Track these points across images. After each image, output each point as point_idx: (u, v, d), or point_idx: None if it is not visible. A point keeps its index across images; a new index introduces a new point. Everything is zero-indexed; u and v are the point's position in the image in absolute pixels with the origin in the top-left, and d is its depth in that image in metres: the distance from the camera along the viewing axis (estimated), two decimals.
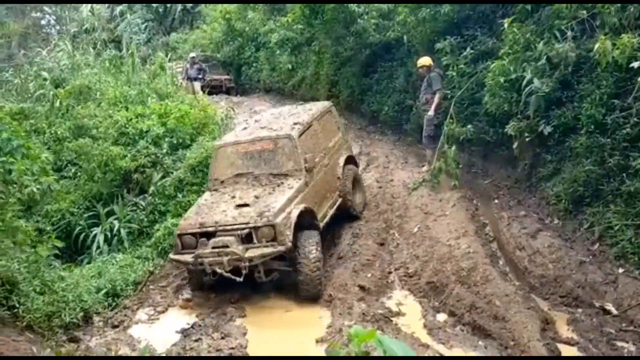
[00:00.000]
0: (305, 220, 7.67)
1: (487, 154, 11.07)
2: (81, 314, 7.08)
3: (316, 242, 7.42)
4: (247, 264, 6.93)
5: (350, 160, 9.90)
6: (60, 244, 8.48)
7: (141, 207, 12.64)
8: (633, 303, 6.67)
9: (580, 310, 6.92)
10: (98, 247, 11.83)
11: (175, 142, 13.54)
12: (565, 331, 6.53)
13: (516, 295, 6.87)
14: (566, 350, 6.12)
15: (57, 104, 14.75)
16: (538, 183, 9.27)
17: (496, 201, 9.73)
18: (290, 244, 7.11)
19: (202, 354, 6.26)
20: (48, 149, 13.33)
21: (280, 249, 7.09)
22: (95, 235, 12.07)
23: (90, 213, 12.77)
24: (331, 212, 8.83)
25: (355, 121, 16.24)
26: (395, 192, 10.61)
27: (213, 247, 7.04)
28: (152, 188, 12.78)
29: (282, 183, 7.91)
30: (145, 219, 12.27)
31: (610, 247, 7.41)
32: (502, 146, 10.24)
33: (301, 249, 7.22)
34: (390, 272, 8.22)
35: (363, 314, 6.90)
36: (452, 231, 8.71)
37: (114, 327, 7.25)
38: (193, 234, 7.31)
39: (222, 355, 6.19)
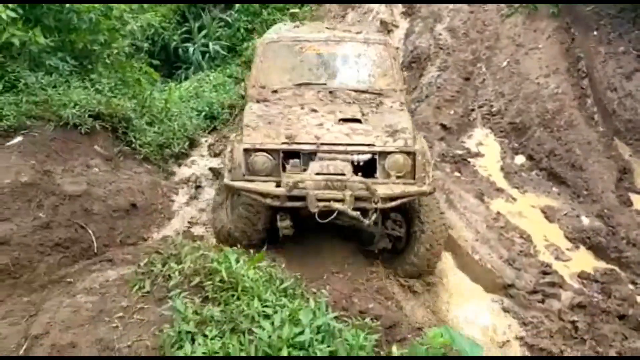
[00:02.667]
0: None
1: None
2: (187, 142, 7.91)
3: (437, 202, 5.38)
4: (379, 205, 4.54)
5: None
6: (156, 76, 9.04)
7: (228, 24, 12.92)
8: None
9: None
10: (195, 62, 12.50)
11: None
12: None
13: (598, 144, 6.99)
14: (639, 201, 6.39)
15: None
16: None
17: (595, 33, 9.14)
18: (433, 188, 4.87)
19: None
20: None
21: (424, 189, 4.72)
22: (189, 51, 12.67)
23: (183, 28, 13.21)
24: None
25: None
26: (487, 18, 10.13)
27: (318, 174, 4.58)
28: (237, 5, 12.87)
29: (382, 104, 5.60)
30: (234, 37, 12.63)
31: None
32: None
33: (423, 209, 5.06)
34: (473, 110, 8.36)
35: (442, 154, 7.30)
36: (542, 67, 8.51)
37: (216, 155, 8.09)
38: (272, 152, 4.75)
39: None
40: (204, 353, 2.41)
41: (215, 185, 6.85)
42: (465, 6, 10.46)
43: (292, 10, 12.10)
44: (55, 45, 6.81)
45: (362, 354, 2.68)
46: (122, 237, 5.38)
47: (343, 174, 4.56)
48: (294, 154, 4.77)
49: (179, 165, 7.54)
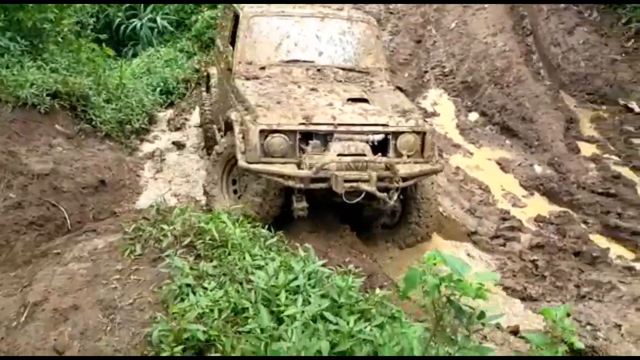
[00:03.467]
0: None
1: None
2: (147, 118, 7.87)
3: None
4: (400, 184, 4.61)
5: None
6: (110, 52, 8.87)
7: None
8: None
9: (604, 107, 7.45)
10: (143, 38, 12.24)
11: None
12: (587, 129, 7.16)
13: (545, 96, 7.37)
14: (586, 148, 6.82)
15: None
16: None
17: None
18: (442, 166, 5.16)
19: None
20: None
21: (437, 167, 4.92)
22: (135, 27, 12.39)
23: (127, 4, 12.88)
24: None
25: None
26: None
27: (340, 155, 4.57)
28: None
29: (372, 83, 5.63)
30: (181, 10, 12.40)
31: None
32: None
33: (422, 183, 5.15)
34: (426, 72, 8.63)
35: None
36: (489, 27, 8.83)
37: (177, 129, 8.09)
38: (289, 133, 4.61)
39: None
40: (206, 304, 2.55)
41: (181, 157, 6.91)
42: None
43: None
44: (4, 25, 6.62)
45: (351, 294, 2.89)
46: (94, 212, 5.38)
47: (364, 155, 4.58)
48: (309, 135, 4.66)
49: (141, 140, 7.51)
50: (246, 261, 3.00)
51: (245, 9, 5.80)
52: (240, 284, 2.78)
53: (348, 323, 2.58)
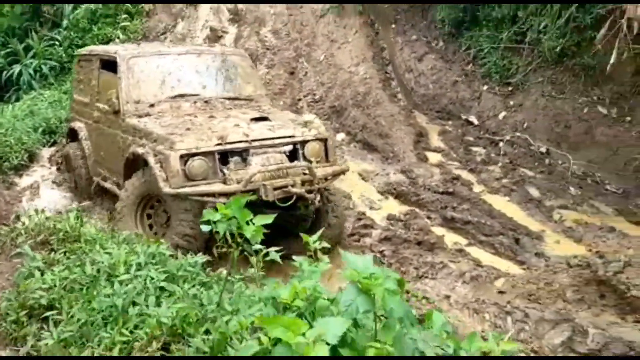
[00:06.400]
0: None
1: None
2: (26, 155, 8.03)
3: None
4: (320, 185, 5.05)
5: None
6: None
7: (58, 42, 12.84)
8: (490, 114, 8.28)
9: (450, 122, 8.52)
10: (25, 83, 12.27)
11: None
12: (435, 141, 8.16)
13: (399, 115, 8.33)
14: (433, 156, 7.77)
15: None
16: (429, 7, 10.24)
17: (394, 26, 10.71)
18: (347, 167, 5.81)
19: None
20: None
21: (344, 167, 5.55)
22: (18, 73, 12.40)
23: (7, 49, 12.89)
24: None
25: None
26: (304, 19, 11.30)
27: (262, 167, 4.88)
28: (65, 21, 12.87)
29: (261, 107, 6.15)
30: (64, 54, 12.58)
31: (480, 67, 8.81)
32: None
33: (330, 189, 5.55)
34: (299, 99, 9.42)
35: None
36: (353, 58, 9.81)
37: (58, 164, 8.27)
38: (208, 154, 4.80)
39: None
40: (52, 280, 2.94)
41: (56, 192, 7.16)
42: (285, 10, 11.57)
43: (122, 24, 12.39)
44: None
45: (190, 269, 3.37)
46: None
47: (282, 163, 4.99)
48: (225, 154, 4.91)
49: (20, 176, 7.65)
50: (96, 250, 3.41)
51: (120, 52, 6.03)
52: (86, 265, 3.18)
53: (182, 288, 3.06)
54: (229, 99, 6.07)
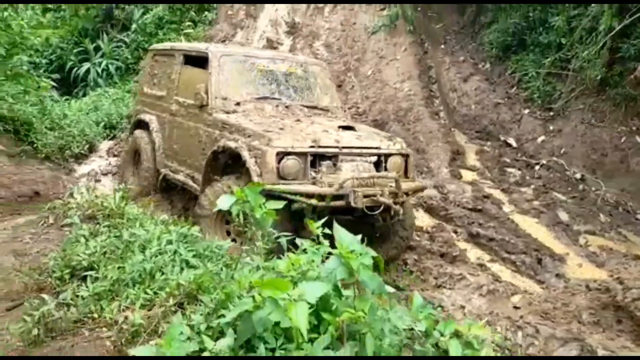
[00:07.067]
0: None
1: None
2: (87, 145, 8.71)
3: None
4: (403, 199, 5.10)
5: None
6: (47, 84, 9.66)
7: (126, 44, 13.72)
8: (529, 138, 8.38)
9: (488, 143, 8.66)
10: (92, 80, 13.17)
11: None
12: (472, 160, 8.32)
13: (438, 132, 8.55)
14: (467, 174, 7.94)
15: None
16: (479, 30, 10.44)
17: (443, 46, 10.94)
18: (425, 185, 5.95)
19: None
20: None
21: (423, 185, 5.78)
22: (87, 70, 13.32)
23: (80, 48, 13.86)
24: None
25: None
26: (356, 35, 11.70)
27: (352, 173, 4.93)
28: (134, 25, 13.73)
29: (338, 118, 6.24)
30: (130, 56, 13.43)
31: (524, 91, 8.94)
32: None
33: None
34: (344, 111, 9.73)
35: None
36: (399, 74, 10.10)
37: (115, 155, 8.92)
38: (301, 155, 4.81)
39: None
40: (94, 246, 3.36)
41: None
42: (339, 25, 12.00)
43: (186, 31, 13.12)
44: None
45: (216, 250, 3.74)
46: None
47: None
48: (315, 157, 4.92)
49: (79, 164, 8.32)
50: (136, 227, 3.84)
51: (211, 48, 6.17)
52: (124, 236, 3.60)
53: (206, 266, 3.43)
54: (307, 107, 6.11)
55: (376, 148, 5.21)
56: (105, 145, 9.40)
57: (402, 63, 10.41)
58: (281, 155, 4.74)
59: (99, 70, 13.32)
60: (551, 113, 8.49)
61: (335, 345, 2.08)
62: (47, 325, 2.60)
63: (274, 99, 6.00)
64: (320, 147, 4.89)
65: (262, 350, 2.04)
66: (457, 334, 2.48)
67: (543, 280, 5.83)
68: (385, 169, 5.21)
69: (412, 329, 2.48)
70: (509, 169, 7.98)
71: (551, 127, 8.34)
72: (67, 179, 7.59)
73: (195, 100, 5.75)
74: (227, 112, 5.59)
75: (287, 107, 5.95)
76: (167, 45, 7.64)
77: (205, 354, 2.01)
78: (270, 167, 4.68)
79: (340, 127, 5.45)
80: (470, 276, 5.76)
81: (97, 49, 13.85)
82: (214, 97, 5.68)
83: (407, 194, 5.21)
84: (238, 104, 5.74)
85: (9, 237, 3.86)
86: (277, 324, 2.11)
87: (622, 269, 5.98)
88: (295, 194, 4.60)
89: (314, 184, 4.81)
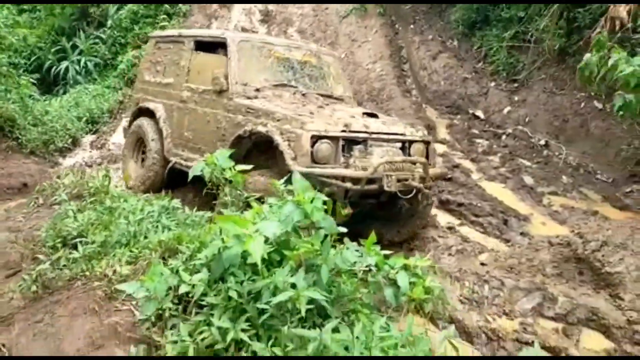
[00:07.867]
0: None
1: None
2: (70, 139, 8.97)
3: None
4: (431, 182, 5.33)
5: None
6: (28, 82, 9.83)
7: (102, 41, 13.89)
8: (496, 109, 8.76)
9: (458, 116, 9.02)
10: (71, 78, 13.34)
11: None
12: (442, 133, 8.67)
13: (410, 109, 8.89)
14: (438, 147, 8.29)
15: None
16: (446, 9, 10.77)
17: (412, 26, 11.27)
18: (447, 172, 6.14)
19: None
20: None
21: (445, 172, 6.00)
22: (66, 68, 13.48)
23: (57, 47, 14.00)
24: None
25: None
26: (328, 19, 11.99)
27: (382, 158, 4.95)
28: (109, 21, 13.90)
29: (353, 107, 6.35)
30: (108, 52, 13.61)
31: (489, 65, 9.30)
32: None
33: None
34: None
35: None
36: (371, 56, 10.42)
37: (98, 148, 9.19)
38: (333, 139, 4.78)
39: None
40: (81, 218, 3.67)
41: None
42: (311, 11, 12.28)
43: (161, 24, 13.30)
44: None
45: (195, 219, 4.06)
46: None
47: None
48: (345, 142, 4.91)
49: (64, 157, 8.58)
50: (120, 202, 4.15)
51: (228, 34, 6.15)
52: (110, 211, 3.91)
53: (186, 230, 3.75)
54: (323, 95, 6.11)
55: (402, 134, 5.31)
56: (88, 139, 9.65)
57: (373, 45, 10.72)
58: (315, 139, 4.69)
59: (78, 68, 13.49)
60: (516, 84, 8.87)
61: (294, 274, 2.42)
62: (44, 284, 2.92)
63: (290, 86, 5.99)
64: (351, 131, 4.90)
65: (232, 283, 2.37)
66: (405, 267, 2.83)
67: (509, 239, 6.20)
68: (409, 155, 5.30)
69: (368, 266, 2.83)
70: (478, 140, 8.35)
71: (516, 98, 8.72)
72: (53, 171, 7.85)
73: (213, 86, 5.64)
74: (249, 97, 5.53)
75: (303, 95, 5.92)
76: (173, 31, 7.41)
77: (182, 286, 2.34)
78: (305, 151, 4.64)
79: (364, 113, 5.56)
80: (440, 238, 6.13)
81: (75, 46, 14.00)
82: (234, 83, 5.61)
83: (432, 179, 5.39)
84: (258, 89, 5.70)
85: (2, 217, 4.15)
86: (245, 262, 2.45)
87: (582, 225, 6.37)
88: (330, 177, 4.62)
89: (346, 168, 4.82)
